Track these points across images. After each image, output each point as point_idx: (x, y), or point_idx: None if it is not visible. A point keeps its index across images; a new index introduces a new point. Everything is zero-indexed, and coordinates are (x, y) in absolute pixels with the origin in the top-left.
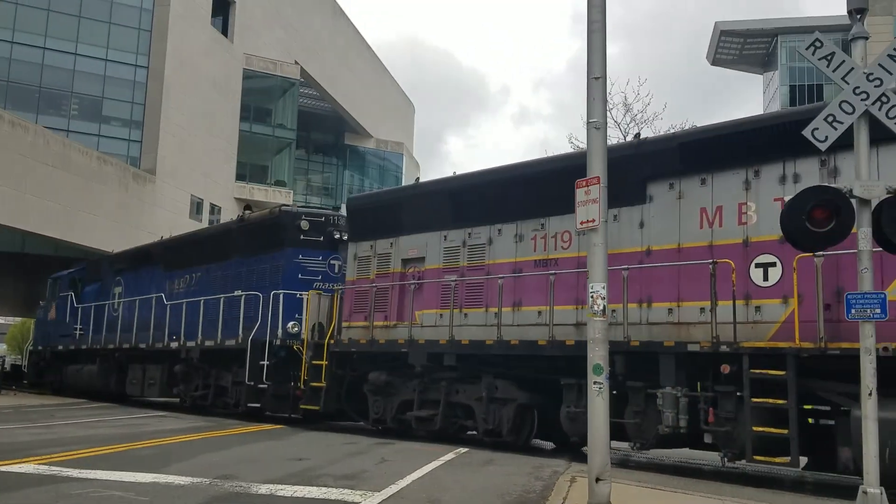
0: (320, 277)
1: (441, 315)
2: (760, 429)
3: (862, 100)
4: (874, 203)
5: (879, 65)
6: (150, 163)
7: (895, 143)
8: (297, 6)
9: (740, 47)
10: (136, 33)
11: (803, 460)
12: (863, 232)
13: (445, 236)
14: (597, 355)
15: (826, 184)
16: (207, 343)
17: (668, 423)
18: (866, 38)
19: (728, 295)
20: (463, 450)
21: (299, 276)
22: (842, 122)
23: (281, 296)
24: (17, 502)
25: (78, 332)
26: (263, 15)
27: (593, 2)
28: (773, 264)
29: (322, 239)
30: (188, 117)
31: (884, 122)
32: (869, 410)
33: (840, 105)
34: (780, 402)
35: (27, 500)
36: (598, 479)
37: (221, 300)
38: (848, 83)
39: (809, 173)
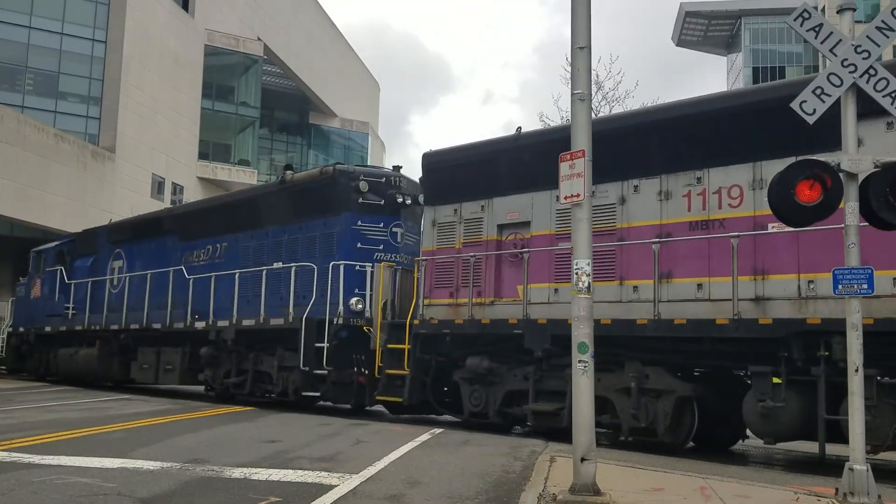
0: (381, 247)
1: (556, 290)
2: None
3: (850, 72)
4: (861, 177)
5: (867, 37)
6: (109, 140)
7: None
8: None
9: (705, 29)
10: (94, 6)
11: None
12: (850, 206)
13: (558, 196)
14: (581, 333)
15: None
16: (246, 322)
17: None
18: (854, 10)
19: None
20: (438, 430)
21: (358, 245)
22: (830, 95)
23: (342, 268)
24: None
25: (70, 312)
26: None
27: None
28: None
29: (383, 203)
30: (149, 94)
31: (871, 94)
32: (856, 387)
33: (828, 77)
34: None
35: None
36: (583, 460)
37: (264, 273)
38: (836, 55)
39: None
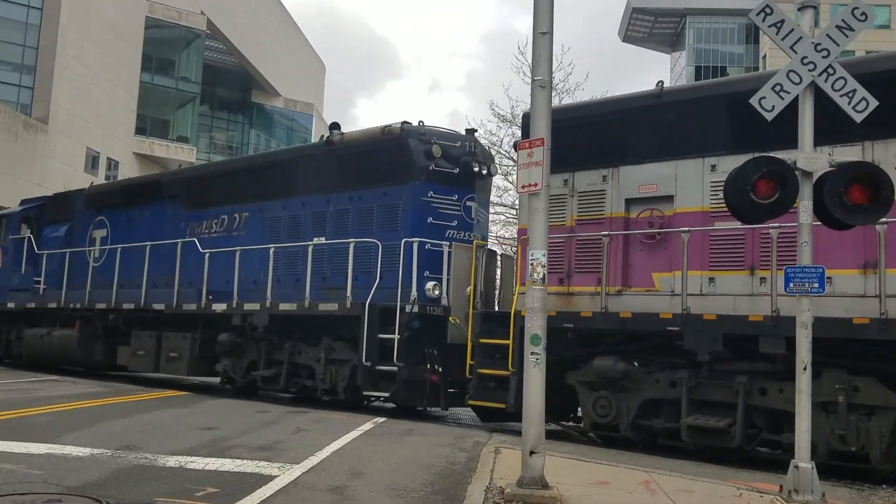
0: (455, 223)
1: (711, 279)
2: None
3: (809, 70)
4: (816, 176)
5: (827, 35)
6: (42, 111)
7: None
8: None
9: (651, 26)
10: None
11: None
12: (804, 205)
13: (714, 165)
14: (535, 325)
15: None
16: (285, 306)
17: None
18: (815, 7)
19: None
20: (380, 419)
21: (428, 220)
22: (789, 92)
23: (415, 246)
24: None
25: (41, 287)
26: None
27: None
28: None
29: (457, 171)
30: (85, 65)
31: (829, 93)
32: (803, 385)
33: (787, 74)
34: None
35: None
36: (532, 453)
37: (309, 250)
38: (796, 52)
39: None
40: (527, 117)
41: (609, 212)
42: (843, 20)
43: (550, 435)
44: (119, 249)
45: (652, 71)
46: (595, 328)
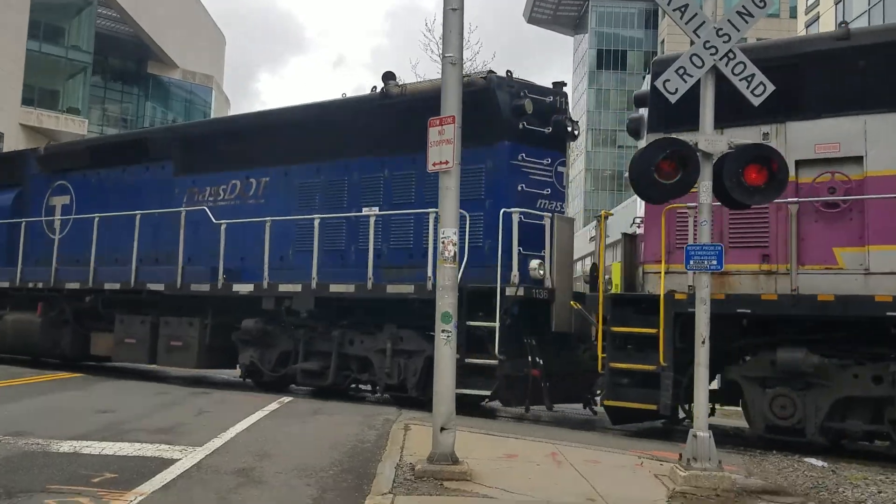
0: (548, 192)
1: None
2: None
3: (711, 54)
4: (716, 157)
5: (728, 20)
6: None
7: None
8: None
9: (555, 8)
10: None
11: None
12: (704, 185)
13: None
14: (445, 303)
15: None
16: (337, 288)
17: None
18: None
19: None
20: (287, 399)
21: (520, 187)
22: (691, 76)
23: (515, 217)
24: None
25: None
26: None
27: None
28: None
29: (549, 131)
30: None
31: (729, 77)
32: (702, 358)
33: (691, 58)
34: None
35: None
36: (442, 429)
37: (371, 220)
38: (699, 37)
39: None
40: (657, 64)
41: None
42: (743, 6)
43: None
44: (96, 219)
45: (556, 52)
46: (780, 313)
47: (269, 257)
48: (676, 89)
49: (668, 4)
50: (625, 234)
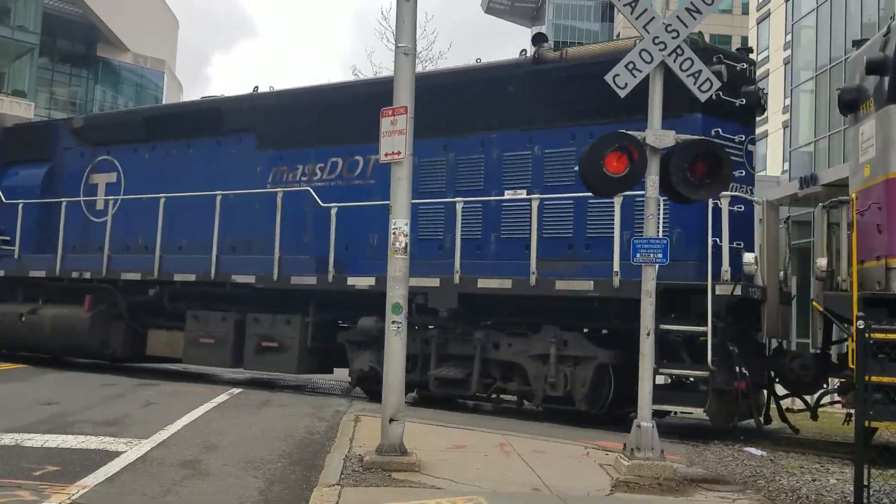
0: (740, 173)
1: None
2: None
3: (660, 50)
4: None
5: (677, 17)
6: None
7: None
8: None
9: None
10: None
11: None
12: (651, 180)
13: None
14: (396, 294)
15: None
16: (489, 283)
17: None
18: None
19: None
20: (237, 390)
21: None
22: (640, 71)
23: (725, 203)
24: None
25: (14, 250)
26: None
27: None
28: None
29: (740, 104)
30: None
31: (677, 73)
32: (647, 349)
33: (640, 53)
34: None
35: None
36: (391, 420)
37: (534, 206)
38: (648, 32)
39: None
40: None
41: None
42: (692, 3)
43: None
44: (161, 201)
45: (514, 43)
46: None
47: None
48: (626, 84)
49: (620, 0)
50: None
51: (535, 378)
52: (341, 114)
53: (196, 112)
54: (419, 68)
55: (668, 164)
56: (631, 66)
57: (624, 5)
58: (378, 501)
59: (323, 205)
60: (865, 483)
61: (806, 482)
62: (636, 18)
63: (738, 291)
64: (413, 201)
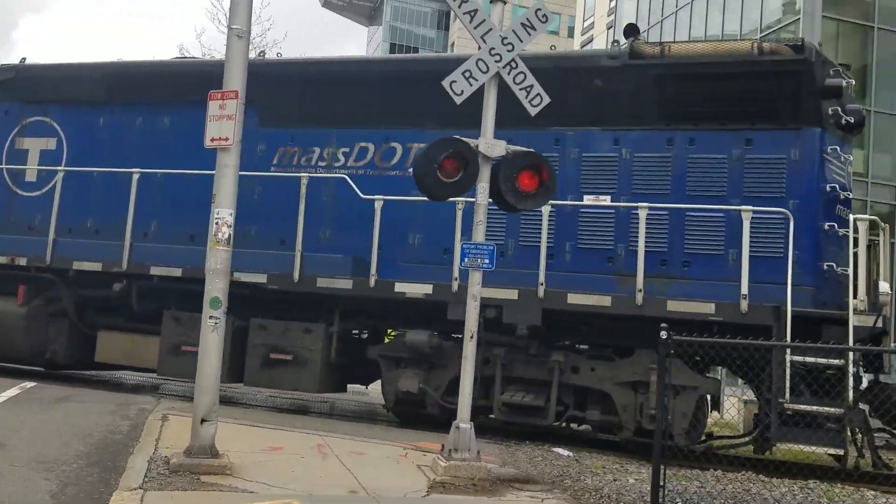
0: (846, 195)
1: None
2: None
3: (496, 61)
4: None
5: (513, 31)
6: None
7: None
8: None
9: None
10: None
11: None
12: (481, 187)
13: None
14: (215, 287)
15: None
16: (579, 299)
17: None
18: (504, 2)
19: None
20: (30, 384)
21: (826, 186)
22: (476, 79)
23: (864, 226)
24: None
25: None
26: None
27: None
28: None
29: (848, 122)
30: None
31: (510, 85)
32: (468, 352)
33: (477, 62)
34: None
35: None
36: (203, 421)
37: (642, 214)
38: (486, 42)
39: None
40: None
41: None
42: (527, 19)
43: None
44: (135, 176)
45: (351, 41)
46: None
47: (440, 248)
48: (462, 91)
49: (459, 7)
50: None
51: (623, 407)
52: (376, 93)
53: (178, 74)
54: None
55: (498, 173)
56: (468, 73)
57: (464, 13)
58: None
59: (364, 196)
60: (662, 483)
61: (608, 482)
62: (475, 28)
63: (879, 323)
64: (462, 199)
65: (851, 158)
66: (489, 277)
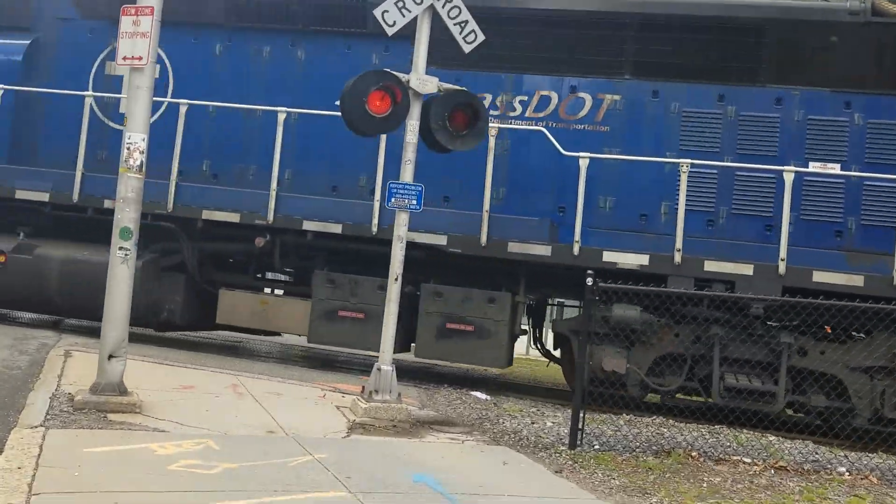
0: None
1: None
2: None
3: None
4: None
5: None
6: None
7: None
8: None
9: None
10: None
11: None
12: (411, 124)
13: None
14: (126, 217)
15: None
16: (827, 277)
17: None
18: None
19: None
20: None
21: None
22: (409, 11)
23: None
24: None
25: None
26: None
27: None
28: None
29: None
30: None
31: (444, 19)
32: (392, 295)
33: None
34: None
35: None
36: (111, 357)
37: None
38: None
39: None
40: None
41: None
42: None
43: None
44: (282, 116)
45: None
46: None
47: (637, 213)
48: (395, 22)
49: None
50: None
51: (856, 393)
52: (560, 34)
53: (315, 3)
54: None
55: (429, 111)
56: (401, 4)
57: None
58: (89, 445)
59: (567, 153)
60: (581, 427)
61: (526, 424)
62: None
63: None
64: (670, 160)
65: None
66: (708, 248)
